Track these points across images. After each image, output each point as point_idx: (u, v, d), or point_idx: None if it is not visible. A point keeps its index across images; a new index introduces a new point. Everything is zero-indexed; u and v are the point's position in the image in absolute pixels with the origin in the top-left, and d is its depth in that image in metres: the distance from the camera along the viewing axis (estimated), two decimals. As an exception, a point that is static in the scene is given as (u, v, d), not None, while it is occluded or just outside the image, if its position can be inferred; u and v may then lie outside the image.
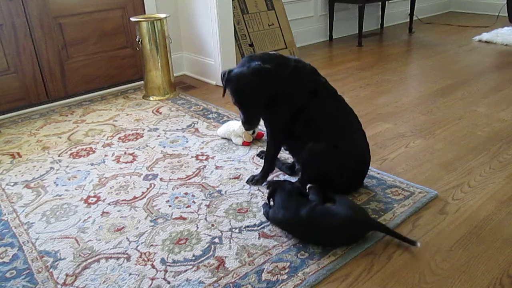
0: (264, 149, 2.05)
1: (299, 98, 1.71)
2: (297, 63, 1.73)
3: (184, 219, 1.68)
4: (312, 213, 1.49)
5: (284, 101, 1.71)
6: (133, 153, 2.25)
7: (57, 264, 1.47)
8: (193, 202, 1.79)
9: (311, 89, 1.73)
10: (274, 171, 1.96)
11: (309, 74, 1.75)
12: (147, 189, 1.91)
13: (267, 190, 1.71)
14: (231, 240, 1.54)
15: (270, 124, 1.81)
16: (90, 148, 2.34)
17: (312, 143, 1.69)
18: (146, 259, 1.48)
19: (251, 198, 1.80)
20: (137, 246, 1.54)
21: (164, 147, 2.30)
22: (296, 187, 1.68)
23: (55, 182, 2.00)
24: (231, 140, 2.33)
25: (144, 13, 3.29)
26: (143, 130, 2.54)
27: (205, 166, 2.08)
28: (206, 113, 2.74)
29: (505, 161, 2.01)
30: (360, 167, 1.77)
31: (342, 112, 1.78)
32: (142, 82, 3.22)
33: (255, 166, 2.05)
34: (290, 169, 1.98)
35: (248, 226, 1.62)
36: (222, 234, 1.58)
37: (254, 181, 1.90)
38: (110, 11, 3.17)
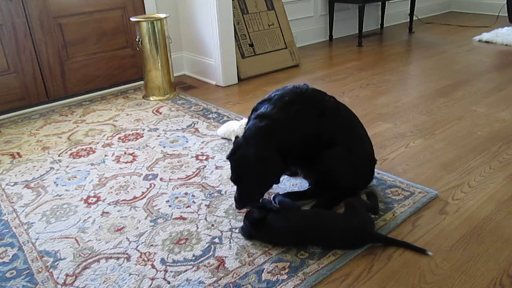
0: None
1: (310, 129, 1.63)
2: (298, 103, 1.62)
3: (184, 219, 1.68)
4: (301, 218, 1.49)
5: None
6: (133, 153, 2.25)
7: (57, 264, 1.47)
8: (193, 202, 1.79)
9: (318, 114, 1.64)
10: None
11: (310, 100, 1.66)
12: (147, 189, 1.91)
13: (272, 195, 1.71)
14: (231, 240, 1.54)
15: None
16: (90, 148, 2.34)
17: (328, 150, 1.63)
18: (146, 259, 1.48)
19: (251, 198, 1.80)
20: (137, 246, 1.54)
21: (164, 147, 2.30)
22: (260, 212, 1.55)
23: (55, 182, 2.01)
24: (231, 140, 2.33)
25: (144, 13, 3.29)
26: (143, 130, 2.54)
27: (205, 166, 2.08)
28: (206, 113, 2.74)
29: (505, 161, 2.01)
30: (372, 164, 1.78)
31: (347, 117, 1.74)
32: (142, 82, 3.22)
33: (255, 166, 2.05)
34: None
35: (248, 226, 1.61)
36: (222, 234, 1.58)
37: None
38: (110, 11, 3.17)
